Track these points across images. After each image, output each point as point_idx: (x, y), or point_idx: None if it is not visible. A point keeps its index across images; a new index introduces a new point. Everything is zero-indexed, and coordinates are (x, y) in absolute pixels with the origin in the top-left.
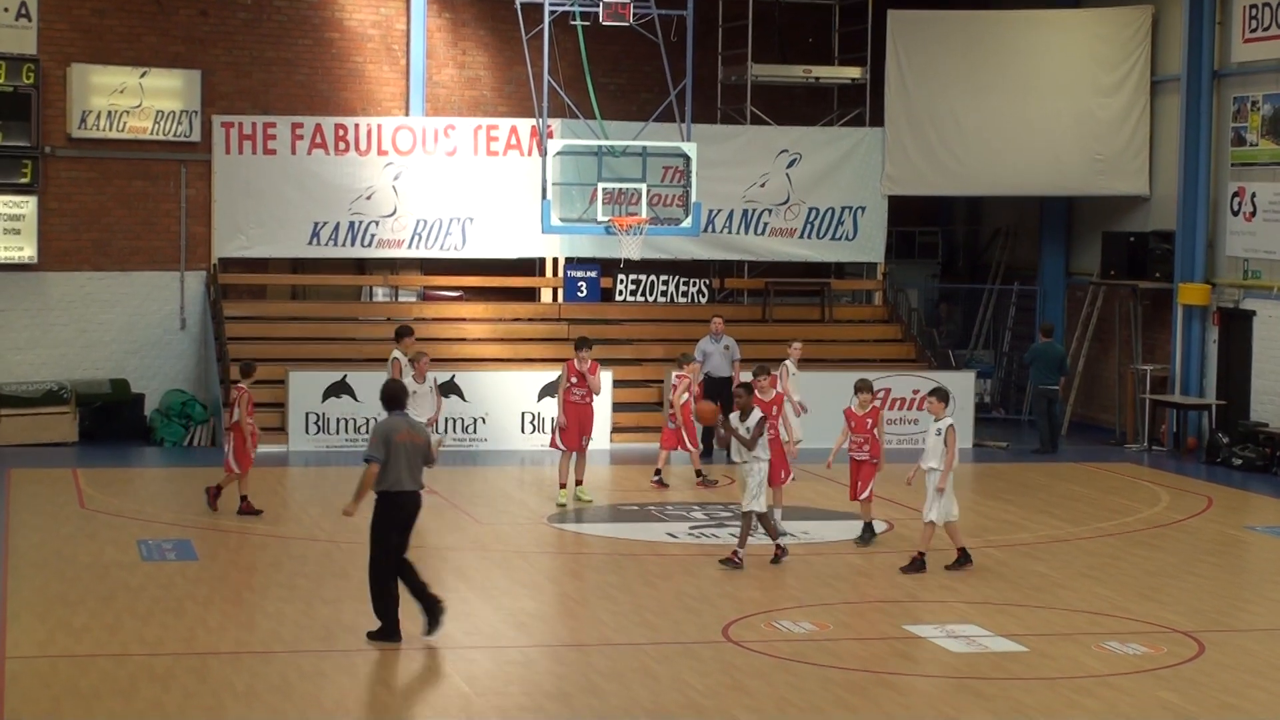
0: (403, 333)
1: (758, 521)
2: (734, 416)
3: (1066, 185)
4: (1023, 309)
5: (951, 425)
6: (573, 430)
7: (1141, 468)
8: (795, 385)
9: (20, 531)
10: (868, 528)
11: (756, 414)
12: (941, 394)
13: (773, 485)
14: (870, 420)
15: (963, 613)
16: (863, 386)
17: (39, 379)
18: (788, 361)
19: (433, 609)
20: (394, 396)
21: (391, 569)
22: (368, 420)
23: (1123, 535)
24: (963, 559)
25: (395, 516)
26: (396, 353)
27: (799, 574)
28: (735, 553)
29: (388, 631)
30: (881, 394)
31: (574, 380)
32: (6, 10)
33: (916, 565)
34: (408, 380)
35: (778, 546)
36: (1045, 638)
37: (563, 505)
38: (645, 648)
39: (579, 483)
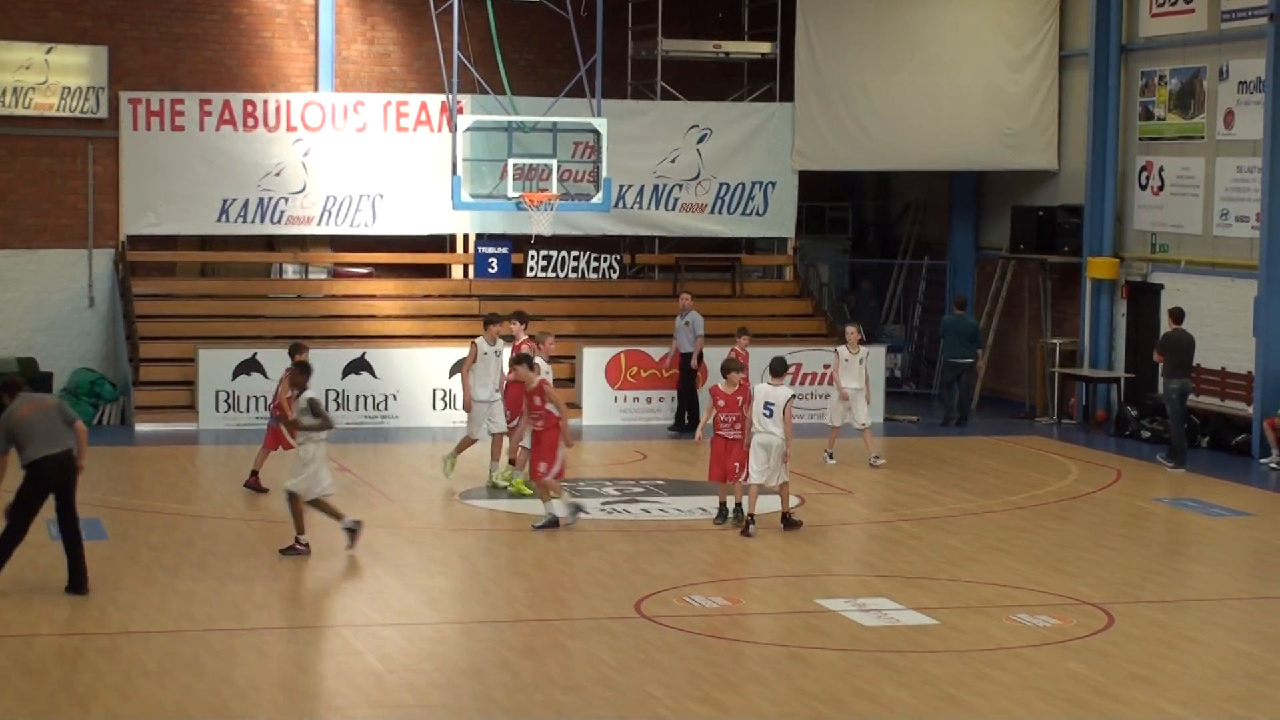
0: (489, 320)
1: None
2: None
3: (976, 159)
4: (933, 283)
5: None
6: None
7: (1051, 441)
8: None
9: None
10: (724, 508)
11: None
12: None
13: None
14: (740, 398)
15: (874, 586)
16: (731, 366)
17: None
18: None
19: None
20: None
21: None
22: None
23: (1033, 508)
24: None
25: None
26: (480, 340)
27: (711, 549)
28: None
29: None
30: (793, 368)
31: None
32: None
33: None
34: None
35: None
36: (956, 610)
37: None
38: (558, 623)
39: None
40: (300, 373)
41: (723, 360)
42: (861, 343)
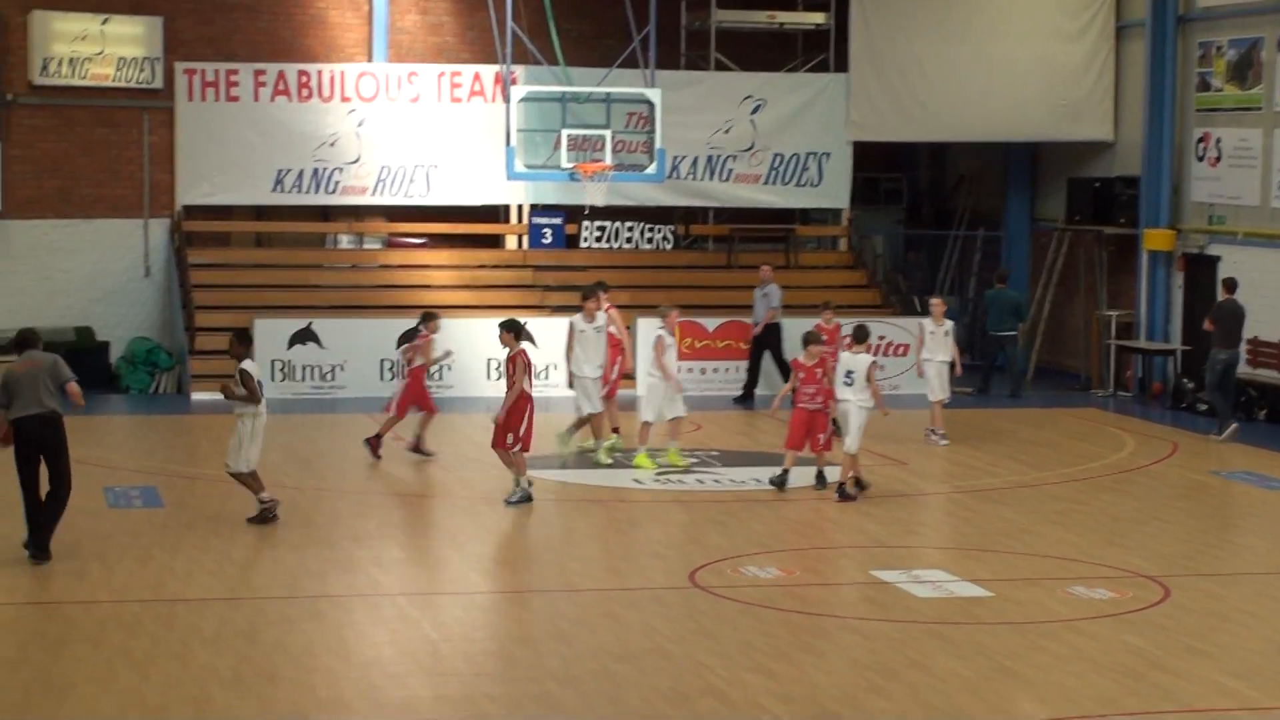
0: (586, 294)
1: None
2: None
3: (1031, 131)
4: (988, 255)
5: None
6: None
7: (1107, 413)
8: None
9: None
10: (786, 476)
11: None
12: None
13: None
14: (819, 370)
15: (929, 558)
16: (811, 339)
17: (3, 327)
18: (662, 332)
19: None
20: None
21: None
22: (333, 367)
23: (1088, 480)
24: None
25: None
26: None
27: (766, 520)
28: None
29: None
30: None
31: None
32: None
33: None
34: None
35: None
36: (1011, 583)
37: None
38: (612, 593)
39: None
40: (240, 342)
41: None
42: (947, 315)
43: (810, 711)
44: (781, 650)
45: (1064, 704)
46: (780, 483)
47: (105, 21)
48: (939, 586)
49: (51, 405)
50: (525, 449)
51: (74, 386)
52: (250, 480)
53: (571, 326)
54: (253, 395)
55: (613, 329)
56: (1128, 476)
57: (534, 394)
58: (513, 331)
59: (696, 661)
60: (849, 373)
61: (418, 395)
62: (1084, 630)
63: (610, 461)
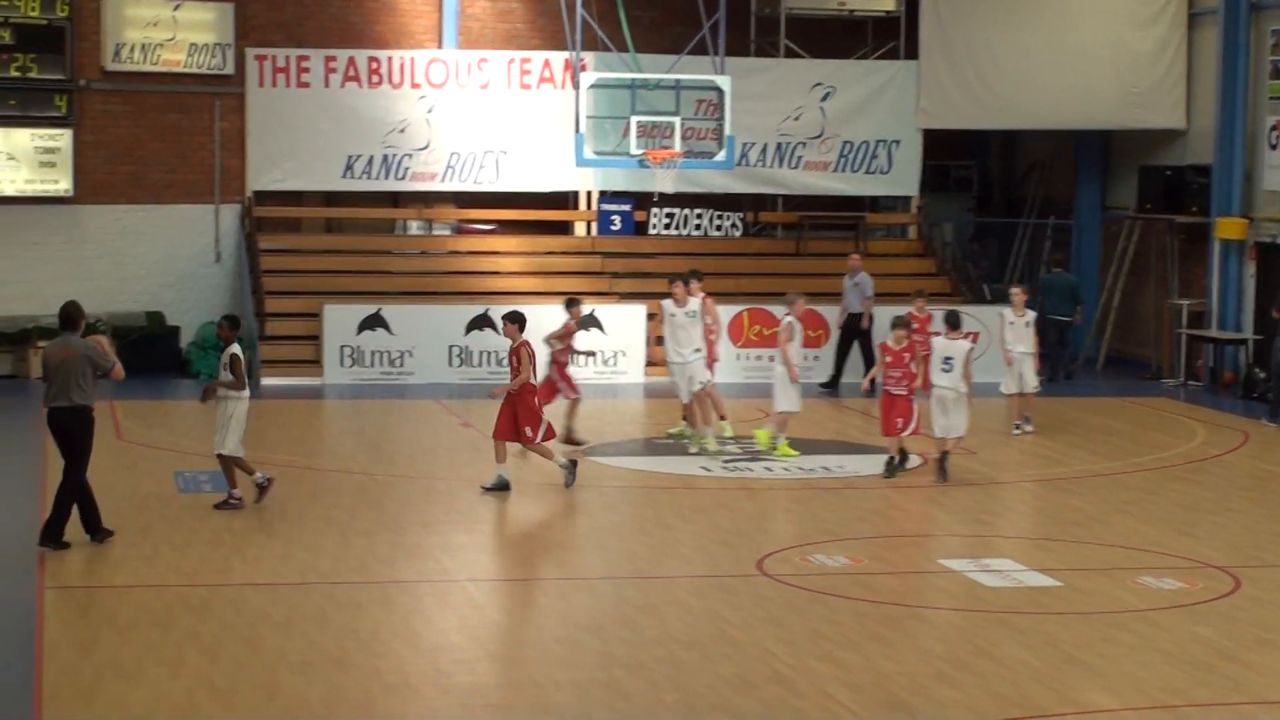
0: (675, 280)
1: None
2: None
3: (1102, 118)
4: (1058, 243)
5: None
6: None
7: (1177, 403)
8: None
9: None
10: (900, 458)
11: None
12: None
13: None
14: (907, 355)
15: (997, 547)
16: (899, 323)
17: None
18: (791, 319)
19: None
20: (64, 315)
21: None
22: (402, 354)
23: (1159, 470)
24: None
25: (54, 430)
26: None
27: (834, 508)
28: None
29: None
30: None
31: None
32: None
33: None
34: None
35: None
36: (1080, 572)
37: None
38: (679, 580)
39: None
40: (230, 326)
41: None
42: (1027, 304)
43: (878, 700)
44: (849, 639)
45: (1133, 694)
46: (891, 471)
47: (177, 7)
48: (1008, 576)
49: (81, 400)
50: (551, 435)
51: (117, 370)
52: (230, 465)
53: (663, 310)
54: (239, 380)
55: (707, 318)
56: (1199, 466)
57: (602, 381)
58: (516, 323)
59: (764, 649)
60: (947, 359)
61: (561, 382)
62: (1154, 620)
63: (717, 448)
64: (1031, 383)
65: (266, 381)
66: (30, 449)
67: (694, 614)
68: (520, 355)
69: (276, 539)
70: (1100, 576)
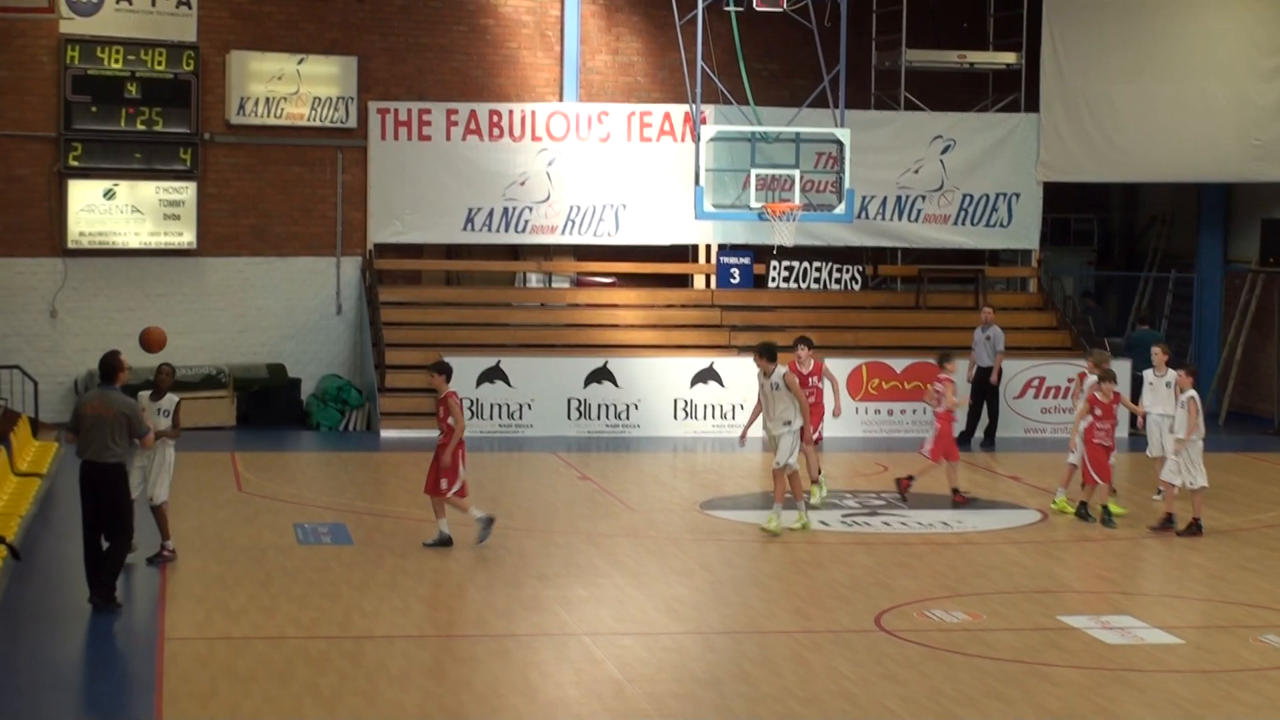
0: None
1: None
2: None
3: (1224, 171)
4: (1180, 297)
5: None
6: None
7: None
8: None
9: (179, 514)
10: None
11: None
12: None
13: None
14: (1117, 406)
15: (1117, 604)
16: (1106, 376)
17: (198, 363)
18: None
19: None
20: (104, 368)
21: (89, 536)
22: (520, 406)
23: None
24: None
25: (82, 484)
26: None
27: (952, 563)
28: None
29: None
30: (1035, 381)
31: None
32: None
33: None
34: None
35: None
36: (1202, 630)
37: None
38: (797, 635)
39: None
40: (170, 373)
41: (1099, 369)
42: (1169, 364)
43: None
44: (968, 696)
45: None
46: (1105, 519)
47: (301, 61)
48: (1128, 633)
49: (112, 459)
50: (463, 494)
51: (148, 439)
52: (164, 514)
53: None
54: (177, 428)
55: (451, 420)
56: None
57: (719, 434)
58: (443, 373)
59: (882, 706)
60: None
61: (946, 441)
62: (1277, 680)
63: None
64: (1170, 448)
65: (386, 434)
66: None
67: (811, 670)
68: (449, 405)
69: (395, 591)
70: (1222, 634)
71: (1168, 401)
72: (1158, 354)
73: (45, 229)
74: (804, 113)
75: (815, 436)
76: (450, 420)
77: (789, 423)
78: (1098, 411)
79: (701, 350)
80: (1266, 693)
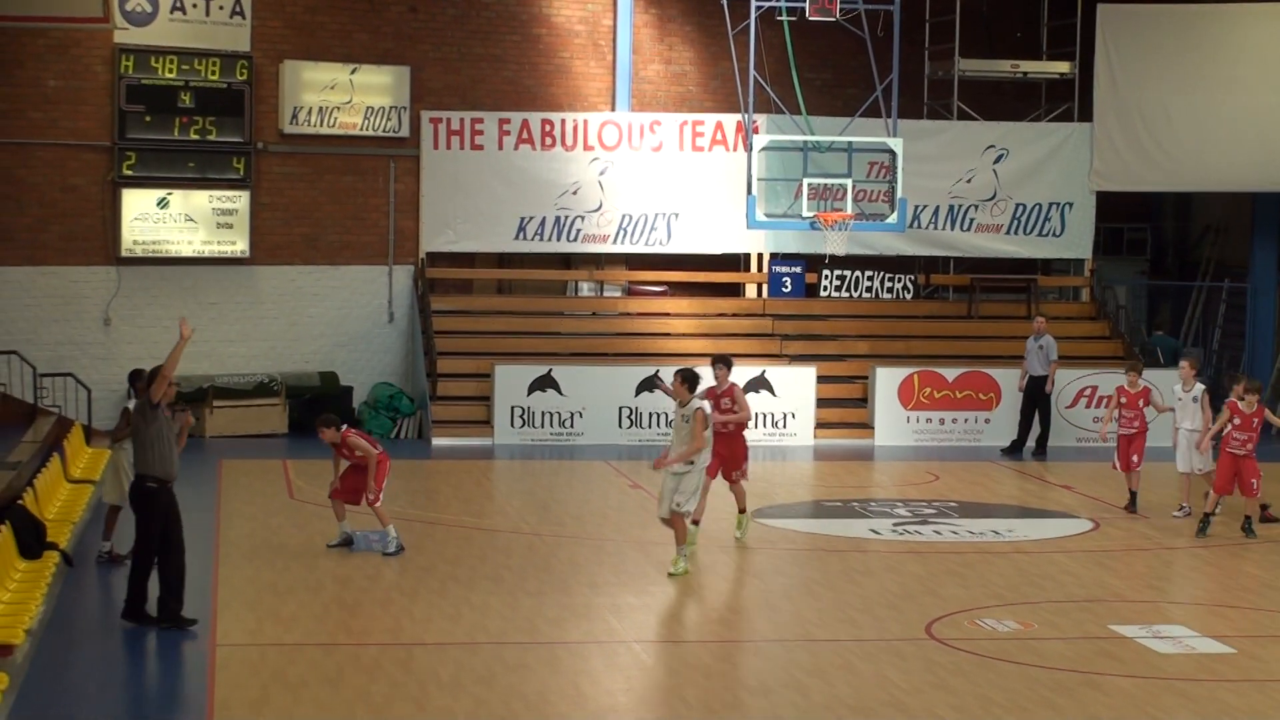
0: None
1: None
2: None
3: (1278, 180)
4: (1233, 306)
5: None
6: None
7: None
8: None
9: (231, 521)
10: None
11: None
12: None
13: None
14: (1257, 419)
15: (1169, 613)
16: (1252, 389)
17: (250, 371)
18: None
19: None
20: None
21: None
22: (572, 414)
23: None
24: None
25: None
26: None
27: (1003, 572)
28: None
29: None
30: (1088, 390)
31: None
32: (221, 8)
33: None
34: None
35: None
36: (1255, 640)
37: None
38: (848, 644)
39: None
40: (149, 381)
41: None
42: (1196, 377)
43: None
44: (1019, 705)
45: None
46: (1203, 527)
47: (354, 71)
48: (1180, 642)
49: (137, 470)
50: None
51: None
52: (114, 517)
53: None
54: (123, 431)
55: (729, 403)
56: None
57: (771, 443)
58: (330, 426)
59: (933, 715)
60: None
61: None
62: None
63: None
64: (1198, 463)
65: (437, 442)
66: (205, 506)
67: (862, 678)
68: (349, 444)
69: (445, 599)
70: (1275, 644)
71: (1195, 416)
72: (1185, 368)
73: (99, 238)
74: (856, 122)
75: (742, 473)
76: (359, 453)
77: (692, 461)
78: (1236, 420)
79: (753, 359)
80: None
